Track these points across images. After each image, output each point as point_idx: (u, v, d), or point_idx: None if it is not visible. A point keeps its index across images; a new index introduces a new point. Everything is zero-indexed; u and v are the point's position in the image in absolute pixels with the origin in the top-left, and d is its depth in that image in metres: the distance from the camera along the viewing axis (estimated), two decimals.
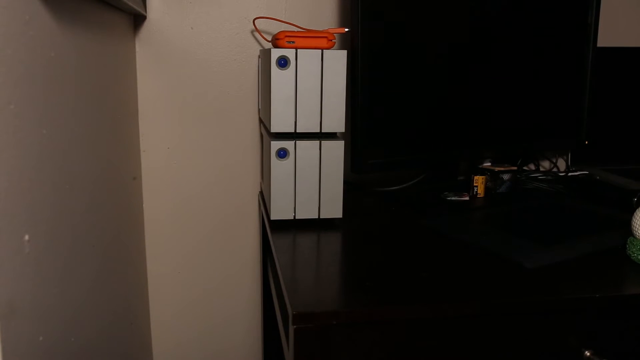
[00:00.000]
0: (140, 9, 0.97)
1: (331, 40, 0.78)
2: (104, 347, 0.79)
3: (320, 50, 0.77)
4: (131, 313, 1.00)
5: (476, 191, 1.01)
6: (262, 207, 0.97)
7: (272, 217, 0.81)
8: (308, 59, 0.76)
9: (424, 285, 0.62)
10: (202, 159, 1.13)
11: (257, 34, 1.09)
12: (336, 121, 0.79)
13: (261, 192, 1.06)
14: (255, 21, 1.05)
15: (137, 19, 1.05)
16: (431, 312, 0.58)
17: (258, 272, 1.19)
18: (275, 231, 0.79)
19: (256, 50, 1.10)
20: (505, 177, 1.03)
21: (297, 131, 0.79)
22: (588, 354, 0.61)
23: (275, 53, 0.76)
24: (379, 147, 0.90)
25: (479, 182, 1.01)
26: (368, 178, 1.12)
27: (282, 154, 0.79)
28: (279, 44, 0.77)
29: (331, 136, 0.81)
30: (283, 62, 0.76)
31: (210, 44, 1.08)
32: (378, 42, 0.86)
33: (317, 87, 0.78)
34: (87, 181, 0.72)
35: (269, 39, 1.07)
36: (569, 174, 1.18)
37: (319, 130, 0.79)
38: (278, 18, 1.06)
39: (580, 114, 1.13)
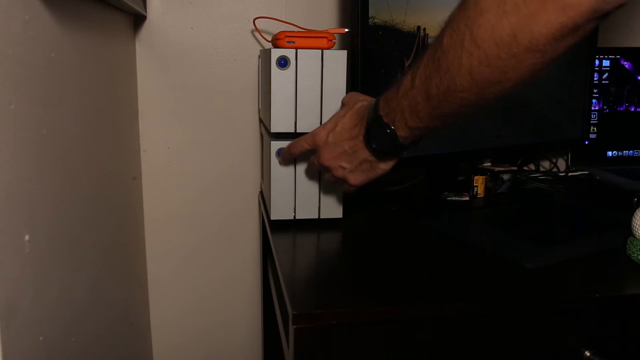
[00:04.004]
0: (140, 9, 0.97)
1: (331, 40, 0.78)
2: (104, 348, 0.79)
3: (320, 50, 0.77)
4: (131, 313, 1.00)
5: (476, 191, 1.01)
6: (262, 207, 0.97)
7: (272, 217, 0.81)
8: (308, 59, 0.76)
9: (424, 285, 0.62)
10: (202, 159, 1.12)
11: (257, 34, 1.09)
12: None
13: (261, 192, 1.06)
14: (255, 21, 1.05)
15: (137, 19, 1.05)
16: (431, 312, 0.58)
17: (258, 272, 1.19)
18: (275, 231, 0.79)
19: (256, 50, 1.10)
20: (505, 177, 1.03)
21: (297, 131, 0.78)
22: (588, 354, 0.61)
23: (275, 53, 0.76)
24: None
25: (479, 182, 1.01)
26: None
27: None
28: (279, 44, 0.77)
29: None
30: (283, 62, 0.76)
31: (210, 44, 1.08)
32: (378, 42, 0.86)
33: (317, 87, 0.78)
34: (87, 181, 0.72)
35: (269, 39, 1.07)
36: (569, 174, 1.18)
37: None
38: (278, 18, 1.06)
39: (580, 113, 1.13)
